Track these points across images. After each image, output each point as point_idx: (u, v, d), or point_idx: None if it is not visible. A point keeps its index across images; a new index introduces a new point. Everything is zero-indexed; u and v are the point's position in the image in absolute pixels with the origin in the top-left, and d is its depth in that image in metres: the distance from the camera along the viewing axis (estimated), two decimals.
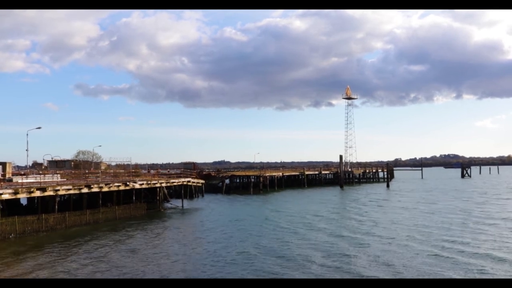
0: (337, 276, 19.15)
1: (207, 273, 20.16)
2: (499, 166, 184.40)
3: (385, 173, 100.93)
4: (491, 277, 18.44)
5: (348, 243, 26.82)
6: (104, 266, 21.85)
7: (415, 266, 20.46)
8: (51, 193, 34.15)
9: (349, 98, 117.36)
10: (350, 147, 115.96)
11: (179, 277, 19.51)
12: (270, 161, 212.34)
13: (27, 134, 48.61)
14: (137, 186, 43.37)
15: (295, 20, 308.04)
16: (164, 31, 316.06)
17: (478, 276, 18.63)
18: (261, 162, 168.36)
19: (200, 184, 63.25)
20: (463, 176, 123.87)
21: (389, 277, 18.82)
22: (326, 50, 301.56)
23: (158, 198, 47.86)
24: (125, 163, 64.35)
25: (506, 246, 24.97)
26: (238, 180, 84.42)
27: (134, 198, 43.41)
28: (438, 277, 18.52)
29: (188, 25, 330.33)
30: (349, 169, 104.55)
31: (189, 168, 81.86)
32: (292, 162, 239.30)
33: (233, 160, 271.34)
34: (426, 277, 18.58)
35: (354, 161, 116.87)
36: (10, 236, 29.47)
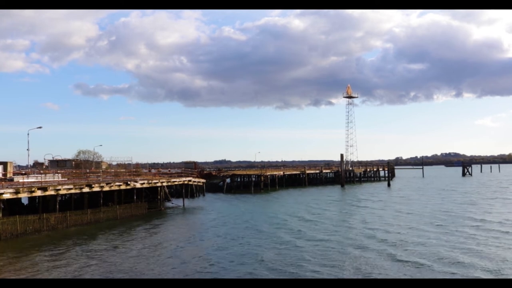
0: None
1: (207, 273, 20.17)
2: (500, 165, 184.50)
3: (386, 172, 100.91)
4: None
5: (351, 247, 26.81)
6: (105, 265, 21.88)
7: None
8: (52, 192, 34.22)
9: (350, 97, 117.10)
10: (351, 146, 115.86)
11: (180, 277, 19.54)
12: (271, 160, 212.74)
13: (28, 134, 48.72)
14: (138, 185, 43.40)
15: (294, 19, 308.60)
16: (163, 31, 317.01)
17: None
18: (262, 161, 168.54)
19: (201, 184, 63.30)
20: (464, 174, 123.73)
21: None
22: (325, 49, 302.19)
23: (159, 197, 47.89)
24: (126, 162, 64.50)
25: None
26: (239, 179, 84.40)
27: (135, 197, 43.44)
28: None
29: (186, 24, 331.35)
30: (350, 168, 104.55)
31: (190, 167, 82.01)
32: (293, 161, 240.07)
33: (234, 159, 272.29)
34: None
35: (355, 160, 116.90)
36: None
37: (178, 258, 23.49)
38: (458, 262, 21.04)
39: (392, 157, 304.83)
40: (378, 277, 18.64)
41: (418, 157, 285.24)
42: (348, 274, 19.37)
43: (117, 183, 40.91)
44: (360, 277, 18.81)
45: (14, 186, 32.52)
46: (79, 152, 70.09)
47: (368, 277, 18.77)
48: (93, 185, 37.92)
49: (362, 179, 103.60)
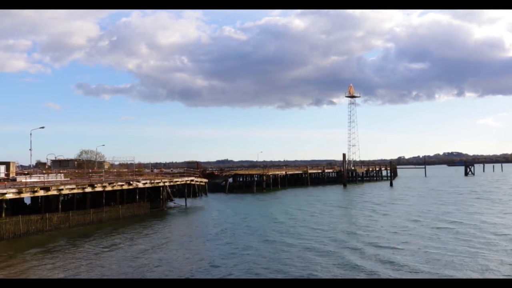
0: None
1: (208, 273, 20.20)
2: (503, 164, 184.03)
3: (389, 171, 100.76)
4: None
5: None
6: (106, 265, 21.94)
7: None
8: (55, 192, 34.32)
9: (352, 97, 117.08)
10: (353, 146, 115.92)
11: (181, 277, 19.58)
12: (273, 160, 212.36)
13: (31, 134, 48.88)
14: (140, 185, 43.48)
15: (295, 19, 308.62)
16: (164, 31, 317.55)
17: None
18: (264, 161, 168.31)
19: (203, 183, 63.38)
20: (466, 174, 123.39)
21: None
22: (326, 48, 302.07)
23: (161, 197, 47.94)
24: (128, 162, 64.57)
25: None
26: (241, 179, 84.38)
27: (137, 197, 43.51)
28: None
29: (187, 24, 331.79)
30: (352, 168, 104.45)
31: (192, 167, 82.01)
32: (295, 161, 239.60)
33: (236, 159, 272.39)
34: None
35: (357, 159, 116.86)
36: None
37: (179, 257, 23.53)
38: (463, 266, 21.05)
39: (394, 156, 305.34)
40: (378, 278, 18.65)
41: (421, 156, 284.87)
42: (349, 273, 19.39)
43: (120, 183, 41.00)
44: (359, 277, 18.83)
45: (16, 186, 32.60)
46: (81, 152, 70.10)
47: (368, 277, 18.80)
48: (95, 185, 38.03)
49: (365, 178, 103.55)
